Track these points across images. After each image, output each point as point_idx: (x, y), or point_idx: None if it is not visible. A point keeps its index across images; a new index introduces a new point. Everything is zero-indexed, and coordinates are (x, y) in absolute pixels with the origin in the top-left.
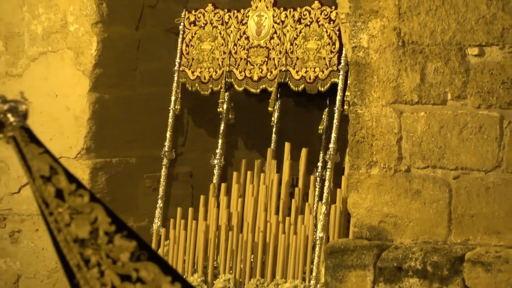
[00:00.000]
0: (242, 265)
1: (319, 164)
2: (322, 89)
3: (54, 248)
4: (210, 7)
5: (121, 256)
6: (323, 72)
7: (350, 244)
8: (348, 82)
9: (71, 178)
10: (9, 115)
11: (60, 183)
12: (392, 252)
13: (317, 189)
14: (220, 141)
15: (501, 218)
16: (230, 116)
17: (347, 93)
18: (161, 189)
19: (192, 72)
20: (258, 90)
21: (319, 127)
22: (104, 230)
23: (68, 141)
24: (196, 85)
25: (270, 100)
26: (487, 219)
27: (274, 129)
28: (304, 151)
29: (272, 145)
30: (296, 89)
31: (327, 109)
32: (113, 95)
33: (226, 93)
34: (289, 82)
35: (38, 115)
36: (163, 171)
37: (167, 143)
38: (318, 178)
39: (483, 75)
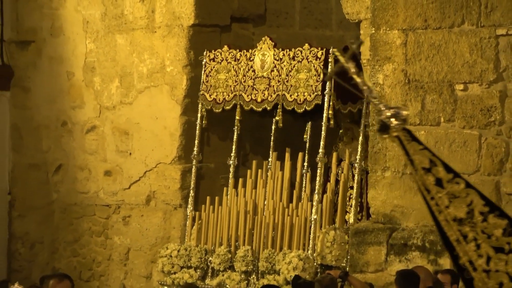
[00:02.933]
0: (257, 239)
1: (305, 163)
2: (308, 108)
3: (436, 226)
4: (225, 48)
5: (494, 232)
6: (310, 96)
7: (369, 227)
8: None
9: (448, 169)
10: (392, 119)
11: (439, 173)
12: (400, 233)
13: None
14: (233, 146)
15: None
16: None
17: (329, 111)
18: (192, 182)
19: (210, 95)
20: (260, 109)
21: (304, 136)
22: (479, 210)
23: (165, 151)
24: (211, 105)
25: (276, 118)
26: None
27: (272, 138)
28: (300, 155)
29: (271, 150)
30: (289, 108)
31: (310, 122)
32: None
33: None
34: (284, 103)
35: (144, 132)
36: (193, 170)
37: (195, 149)
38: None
39: (467, 104)
